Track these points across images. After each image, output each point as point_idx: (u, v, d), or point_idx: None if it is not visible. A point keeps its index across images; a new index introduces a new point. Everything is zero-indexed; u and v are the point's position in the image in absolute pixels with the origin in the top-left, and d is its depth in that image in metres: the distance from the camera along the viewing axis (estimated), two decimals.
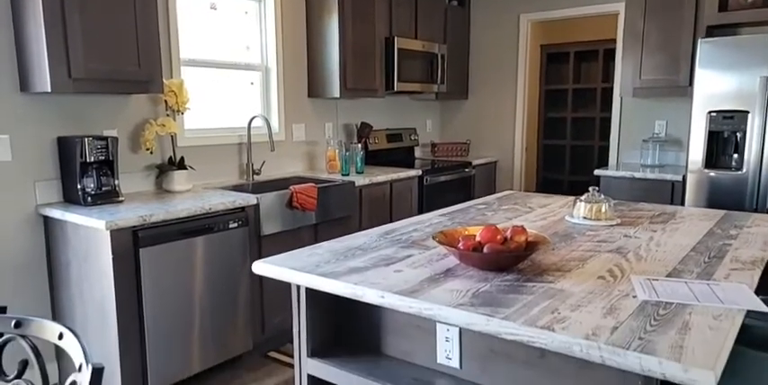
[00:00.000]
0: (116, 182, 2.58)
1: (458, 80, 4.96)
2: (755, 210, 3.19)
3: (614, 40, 4.97)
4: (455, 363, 1.45)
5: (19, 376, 1.16)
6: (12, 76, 2.44)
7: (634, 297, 1.31)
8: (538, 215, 2.32)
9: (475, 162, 4.59)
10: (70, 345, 1.06)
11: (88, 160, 2.48)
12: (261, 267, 1.60)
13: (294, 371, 1.96)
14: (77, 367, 1.00)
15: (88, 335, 2.43)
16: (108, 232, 2.21)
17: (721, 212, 2.36)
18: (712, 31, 3.64)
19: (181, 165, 2.96)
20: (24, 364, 1.16)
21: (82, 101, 2.68)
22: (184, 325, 2.49)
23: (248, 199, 2.72)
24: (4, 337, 1.17)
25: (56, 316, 2.61)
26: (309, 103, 3.90)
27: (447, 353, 1.46)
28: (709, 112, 3.28)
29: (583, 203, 2.18)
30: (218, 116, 3.39)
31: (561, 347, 1.10)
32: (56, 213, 2.44)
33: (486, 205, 2.55)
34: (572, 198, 2.68)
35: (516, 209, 2.45)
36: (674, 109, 4.05)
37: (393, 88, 4.05)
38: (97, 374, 0.94)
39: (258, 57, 3.58)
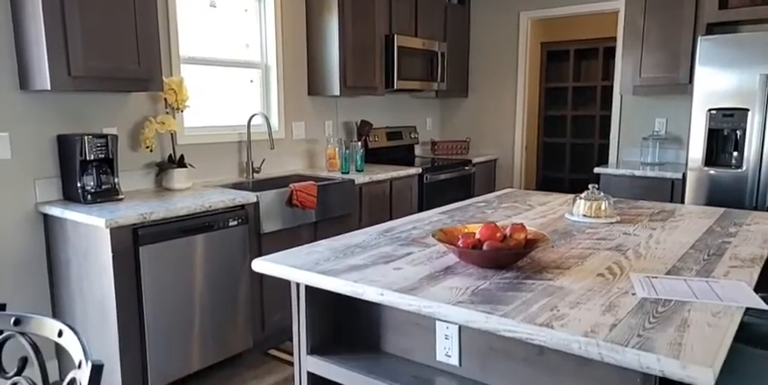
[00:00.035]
0: (116, 180, 2.58)
1: (458, 78, 4.96)
2: (755, 208, 3.19)
3: (614, 38, 4.98)
4: (454, 361, 1.45)
5: (19, 373, 1.16)
6: (11, 74, 2.44)
7: (633, 294, 1.31)
8: (537, 213, 2.32)
9: (475, 160, 4.58)
10: (70, 343, 1.06)
11: (88, 158, 2.48)
12: (261, 265, 1.61)
13: (294, 369, 1.96)
14: (77, 364, 1.00)
15: (88, 333, 2.43)
16: (108, 230, 2.21)
17: (721, 210, 2.36)
18: (712, 29, 3.63)
19: (181, 163, 2.96)
20: (24, 362, 1.16)
21: (81, 99, 2.68)
22: (184, 322, 2.50)
23: (248, 197, 2.73)
24: (3, 335, 1.17)
25: (56, 313, 2.61)
26: (309, 101, 3.90)
27: (446, 350, 1.46)
28: (709, 110, 3.28)
29: (582, 201, 2.18)
30: (217, 114, 3.39)
31: (560, 344, 1.10)
32: (56, 211, 2.45)
33: (486, 203, 2.55)
34: (572, 196, 2.68)
35: (516, 206, 2.46)
36: (674, 107, 4.05)
37: (393, 86, 4.05)
38: (97, 371, 0.95)
39: (258, 54, 3.58)
